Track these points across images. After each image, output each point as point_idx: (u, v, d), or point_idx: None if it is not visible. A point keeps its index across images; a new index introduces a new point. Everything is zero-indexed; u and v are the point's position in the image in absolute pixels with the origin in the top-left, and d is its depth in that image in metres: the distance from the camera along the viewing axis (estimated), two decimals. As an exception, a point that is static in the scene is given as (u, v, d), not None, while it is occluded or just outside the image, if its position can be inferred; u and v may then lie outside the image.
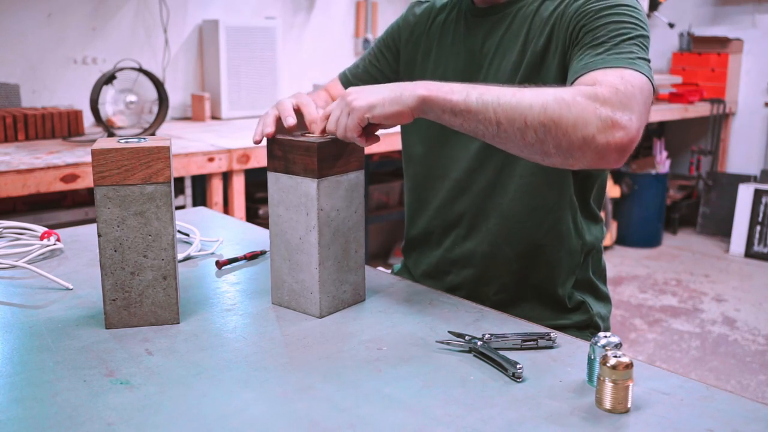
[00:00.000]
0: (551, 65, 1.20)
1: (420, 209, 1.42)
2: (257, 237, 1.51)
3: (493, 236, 1.30)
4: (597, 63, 1.06)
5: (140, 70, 2.79)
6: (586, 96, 0.97)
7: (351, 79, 1.49)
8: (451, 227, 1.36)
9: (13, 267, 1.26)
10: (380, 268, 1.46)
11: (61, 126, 2.81)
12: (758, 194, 4.35)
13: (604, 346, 0.84)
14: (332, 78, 1.56)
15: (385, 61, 1.46)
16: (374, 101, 0.99)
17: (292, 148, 1.04)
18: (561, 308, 1.32)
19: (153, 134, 2.82)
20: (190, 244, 1.41)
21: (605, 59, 1.06)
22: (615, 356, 0.81)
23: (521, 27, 1.25)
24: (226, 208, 2.72)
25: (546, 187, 1.27)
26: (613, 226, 4.59)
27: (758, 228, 4.33)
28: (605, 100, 0.96)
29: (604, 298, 1.39)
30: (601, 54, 1.07)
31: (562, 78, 1.18)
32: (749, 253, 4.32)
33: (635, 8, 1.14)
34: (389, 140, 3.14)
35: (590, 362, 0.87)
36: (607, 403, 0.81)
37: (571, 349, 0.97)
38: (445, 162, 1.35)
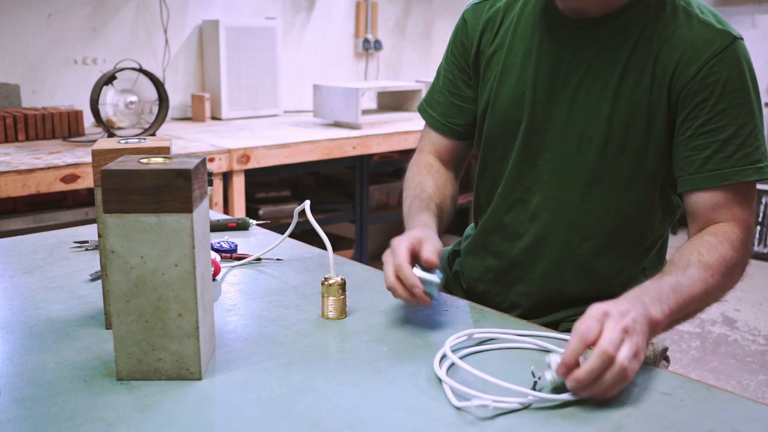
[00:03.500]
0: (656, 114, 1.13)
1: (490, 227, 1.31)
2: (257, 237, 1.51)
3: (559, 279, 1.21)
4: (725, 176, 1.09)
5: (140, 70, 2.79)
6: (737, 256, 1.07)
7: (443, 120, 1.34)
8: (512, 267, 1.27)
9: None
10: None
11: (62, 126, 2.81)
12: (758, 194, 4.36)
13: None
14: (422, 131, 1.39)
15: (465, 87, 1.32)
16: (639, 363, 0.87)
17: None
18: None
19: (153, 134, 2.82)
20: (190, 244, 1.41)
21: (734, 172, 1.09)
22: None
23: (620, 51, 1.14)
24: (226, 208, 2.72)
25: (626, 245, 1.21)
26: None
27: (758, 228, 4.34)
28: (749, 252, 1.12)
29: None
30: (731, 157, 1.09)
31: (666, 132, 1.14)
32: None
33: (752, 69, 1.12)
34: (389, 140, 3.15)
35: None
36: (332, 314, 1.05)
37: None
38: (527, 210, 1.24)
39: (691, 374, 2.79)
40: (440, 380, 0.87)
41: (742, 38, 1.11)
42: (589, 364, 0.82)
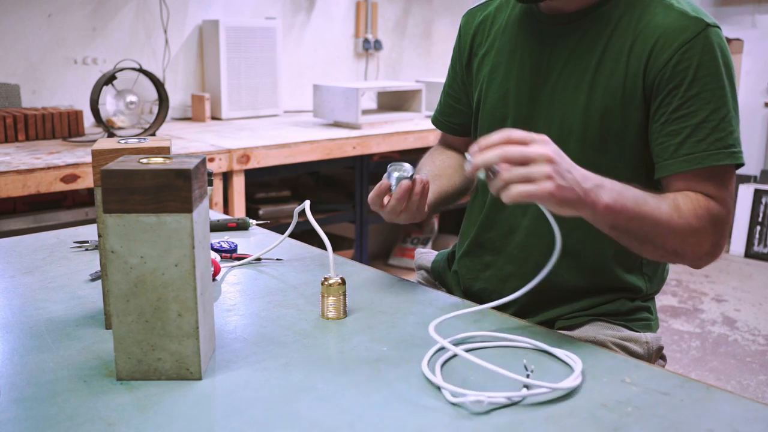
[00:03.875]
0: (631, 104, 1.14)
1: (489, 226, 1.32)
2: (257, 237, 1.51)
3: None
4: (697, 160, 1.09)
5: (140, 70, 2.79)
6: (708, 218, 1.07)
7: (440, 118, 1.45)
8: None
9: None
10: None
11: (62, 126, 2.81)
12: (758, 194, 4.35)
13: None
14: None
15: (460, 90, 1.39)
16: (568, 200, 0.93)
17: None
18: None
19: (153, 134, 2.82)
20: (190, 244, 1.41)
21: (706, 156, 1.09)
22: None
23: (595, 42, 1.16)
24: (226, 208, 2.72)
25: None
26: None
27: (758, 228, 4.33)
28: (723, 233, 1.10)
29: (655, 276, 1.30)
30: (703, 141, 1.09)
31: (641, 119, 1.14)
32: (749, 254, 4.32)
33: (727, 56, 1.11)
34: (389, 140, 3.15)
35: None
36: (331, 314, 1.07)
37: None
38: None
39: (691, 374, 2.79)
40: (439, 378, 0.87)
41: (717, 26, 1.11)
42: (489, 138, 0.91)
